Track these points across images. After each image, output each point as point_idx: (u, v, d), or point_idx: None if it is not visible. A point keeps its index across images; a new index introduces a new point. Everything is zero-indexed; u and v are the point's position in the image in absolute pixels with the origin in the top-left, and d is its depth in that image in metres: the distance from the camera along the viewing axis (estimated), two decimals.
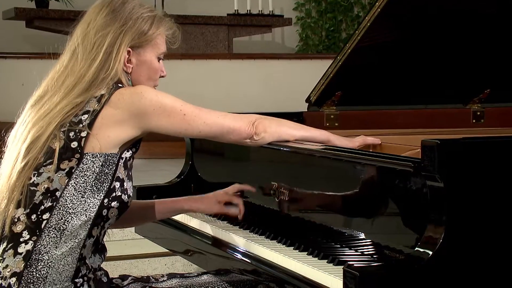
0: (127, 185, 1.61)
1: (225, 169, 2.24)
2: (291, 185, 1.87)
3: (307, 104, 2.42)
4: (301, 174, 1.86)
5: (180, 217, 2.15)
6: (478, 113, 2.53)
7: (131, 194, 1.62)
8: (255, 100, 5.95)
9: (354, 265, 1.45)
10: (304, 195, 1.83)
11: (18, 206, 1.55)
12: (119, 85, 1.61)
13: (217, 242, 1.93)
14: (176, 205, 1.92)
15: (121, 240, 3.36)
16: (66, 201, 1.55)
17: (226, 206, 1.93)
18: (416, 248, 1.42)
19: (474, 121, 2.52)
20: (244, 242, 1.84)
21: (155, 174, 4.52)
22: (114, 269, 3.10)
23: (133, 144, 1.62)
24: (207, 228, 2.03)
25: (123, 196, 1.59)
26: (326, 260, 1.61)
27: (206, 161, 2.36)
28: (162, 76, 1.71)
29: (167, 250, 2.39)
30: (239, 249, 1.84)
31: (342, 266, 1.42)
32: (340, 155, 1.71)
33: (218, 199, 1.93)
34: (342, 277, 1.38)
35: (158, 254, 3.18)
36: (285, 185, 1.88)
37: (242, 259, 1.79)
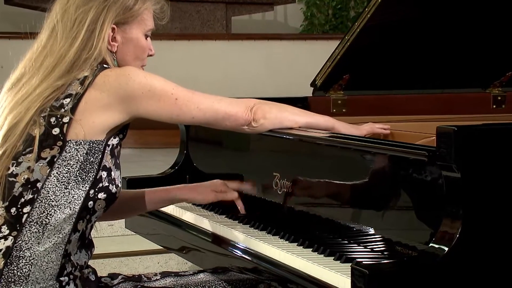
0: (115, 174, 1.60)
1: (223, 159, 2.25)
2: (295, 176, 1.87)
3: (312, 88, 2.42)
4: (305, 164, 1.87)
5: (172, 211, 2.16)
6: (499, 98, 2.52)
7: (119, 184, 1.61)
8: (255, 84, 5.92)
9: (363, 262, 1.47)
10: (309, 187, 1.83)
11: None
12: (104, 65, 1.59)
13: (214, 238, 1.94)
14: (169, 194, 1.92)
15: (110, 236, 3.37)
16: (48, 193, 1.54)
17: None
18: (431, 244, 1.42)
19: (494, 106, 2.52)
20: (244, 238, 1.84)
21: (147, 164, 4.52)
22: (102, 268, 3.10)
23: (120, 130, 1.61)
24: (204, 222, 2.03)
25: (110, 187, 1.59)
26: (333, 257, 1.61)
27: (203, 151, 2.36)
28: (150, 55, 1.69)
29: (160, 247, 2.40)
30: (238, 246, 1.84)
31: (350, 264, 1.42)
32: (348, 143, 1.71)
33: (214, 189, 1.94)
34: (350, 275, 1.39)
35: (150, 251, 3.19)
36: (288, 176, 1.88)
37: (242, 256, 1.80)
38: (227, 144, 2.25)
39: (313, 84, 2.41)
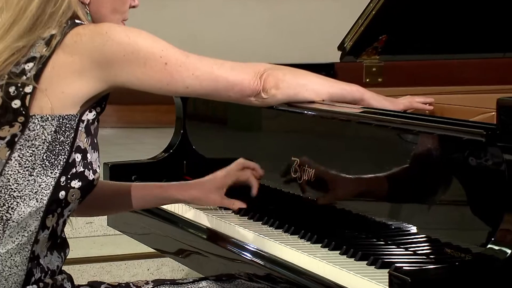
0: (91, 157, 1.60)
1: (229, 141, 2.27)
2: (318, 161, 1.88)
3: (340, 52, 2.43)
4: (331, 146, 1.88)
5: (172, 205, 2.19)
6: None
7: (97, 170, 1.60)
8: (266, 46, 5.87)
9: (404, 268, 1.47)
10: (336, 175, 1.84)
11: None
12: (76, 21, 1.58)
13: (218, 238, 1.96)
14: (164, 192, 1.95)
15: (89, 236, 3.39)
16: (9, 181, 1.54)
17: (230, 196, 1.97)
18: (489, 246, 1.43)
19: None
20: (255, 237, 1.86)
21: (135, 148, 4.55)
22: (80, 275, 3.13)
23: (97, 102, 1.61)
24: (205, 219, 2.05)
25: (86, 172, 1.58)
26: (366, 262, 1.62)
27: (204, 130, 2.38)
28: (133, 6, 1.69)
29: (152, 250, 2.42)
30: (248, 247, 1.85)
31: (388, 270, 1.43)
32: (385, 120, 1.72)
33: (218, 185, 1.96)
34: (387, 284, 1.39)
35: (138, 255, 3.22)
36: (309, 162, 1.89)
37: (252, 260, 1.81)
38: (234, 122, 2.27)
39: (341, 47, 2.41)
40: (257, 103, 1.73)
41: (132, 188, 1.93)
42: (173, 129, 2.41)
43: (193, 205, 2.10)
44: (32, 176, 1.54)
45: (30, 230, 1.55)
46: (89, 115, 1.59)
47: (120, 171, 2.28)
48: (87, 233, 3.40)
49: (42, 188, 1.55)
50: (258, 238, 1.84)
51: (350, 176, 1.80)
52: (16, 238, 1.54)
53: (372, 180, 1.75)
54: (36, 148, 1.54)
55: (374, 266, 1.59)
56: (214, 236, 1.97)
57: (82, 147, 1.58)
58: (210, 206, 2.09)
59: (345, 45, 2.39)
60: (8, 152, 1.52)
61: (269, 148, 2.08)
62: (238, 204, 1.98)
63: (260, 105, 1.74)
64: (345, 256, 1.66)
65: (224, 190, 1.97)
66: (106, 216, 2.43)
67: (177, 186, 1.97)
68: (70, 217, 1.65)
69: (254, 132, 2.18)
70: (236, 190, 2.00)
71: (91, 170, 1.59)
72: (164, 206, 2.17)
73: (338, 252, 1.68)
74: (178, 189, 1.96)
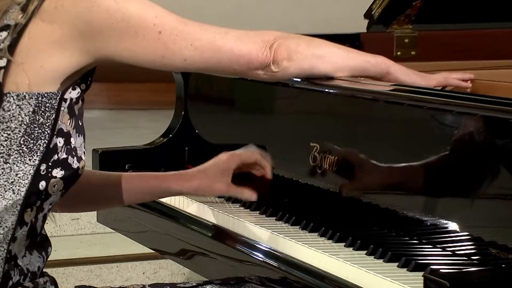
0: (76, 142, 1.59)
1: (238, 124, 2.28)
2: (341, 147, 1.88)
3: (367, 21, 2.43)
4: (356, 130, 1.88)
5: (171, 198, 2.20)
6: None
7: (83, 157, 1.60)
8: (281, 15, 5.86)
9: (441, 270, 1.46)
10: (362, 164, 1.85)
11: None
12: None
13: (225, 236, 1.96)
14: (163, 183, 1.95)
15: (75, 235, 3.39)
16: None
17: (238, 184, 1.96)
18: None
19: None
20: (268, 235, 1.86)
21: (129, 132, 4.56)
22: (64, 280, 3.13)
23: (82, 78, 1.60)
24: (210, 214, 2.05)
25: (70, 160, 1.57)
26: (396, 264, 1.62)
27: (208, 112, 2.39)
28: None
29: (148, 250, 2.42)
30: (260, 247, 1.85)
31: (422, 273, 1.43)
32: (420, 99, 1.71)
33: (222, 170, 1.96)
34: None
35: (132, 256, 3.22)
36: (331, 148, 1.89)
37: (265, 262, 1.81)
38: (243, 102, 2.28)
39: (368, 14, 2.41)
40: (265, 77, 1.73)
41: (125, 179, 1.93)
42: (172, 110, 2.42)
43: (196, 198, 2.11)
44: (8, 164, 1.53)
45: (6, 227, 1.54)
46: (73, 93, 1.57)
47: (111, 159, 2.29)
48: (73, 231, 3.40)
49: (20, 177, 1.54)
50: (271, 236, 1.84)
51: (379, 165, 1.79)
52: None
53: (404, 169, 1.74)
54: (12, 131, 1.53)
55: (406, 269, 1.59)
56: (221, 234, 1.98)
57: (65, 130, 1.57)
58: (216, 198, 2.10)
59: (372, 13, 2.39)
60: None
61: (285, 133, 2.08)
62: (248, 193, 1.97)
63: (270, 80, 1.74)
64: (372, 257, 1.66)
65: (230, 176, 1.96)
66: (95, 211, 2.44)
67: (177, 176, 1.96)
68: (54, 213, 1.66)
69: (266, 114, 2.19)
70: (245, 181, 2.00)
71: (75, 157, 1.58)
72: (163, 200, 2.18)
73: (364, 252, 1.69)
74: (178, 180, 1.96)
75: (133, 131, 4.57)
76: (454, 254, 1.63)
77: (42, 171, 1.55)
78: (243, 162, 1.97)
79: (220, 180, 1.96)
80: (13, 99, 1.52)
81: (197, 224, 2.05)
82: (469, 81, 1.97)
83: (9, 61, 1.52)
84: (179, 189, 1.96)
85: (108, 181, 1.94)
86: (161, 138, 2.39)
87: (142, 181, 1.95)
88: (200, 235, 2.02)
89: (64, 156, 1.57)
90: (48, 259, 1.68)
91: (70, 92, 1.57)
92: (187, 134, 2.37)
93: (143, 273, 3.26)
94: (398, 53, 2.39)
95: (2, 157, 1.53)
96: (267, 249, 1.82)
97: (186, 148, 2.37)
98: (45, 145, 1.54)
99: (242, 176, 1.98)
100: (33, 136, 1.54)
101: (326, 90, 1.83)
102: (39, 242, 1.61)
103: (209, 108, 2.40)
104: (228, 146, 2.09)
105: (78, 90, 1.58)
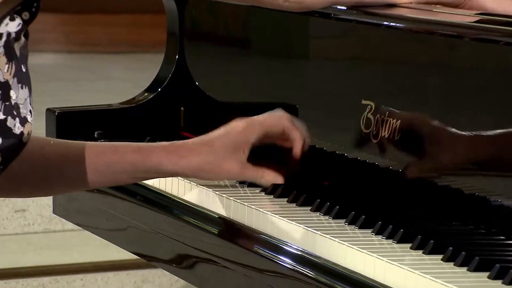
0: (19, 96, 1.62)
1: (257, 74, 2.30)
2: (407, 107, 1.91)
3: None
4: (428, 83, 1.89)
5: (161, 181, 2.20)
6: None
7: (28, 118, 1.63)
8: None
9: None
10: (436, 131, 1.86)
11: None
12: None
13: (238, 234, 1.96)
14: (146, 159, 1.98)
15: (20, 233, 3.43)
16: None
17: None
18: None
19: None
20: (302, 233, 1.85)
21: (98, 86, 4.62)
22: None
23: (23, 4, 1.61)
24: (217, 203, 2.05)
25: (10, 122, 1.61)
26: (487, 273, 1.61)
27: (213, 56, 2.41)
28: None
29: (129, 256, 2.50)
30: (288, 249, 1.84)
31: None
32: None
33: (235, 144, 1.98)
34: None
35: (105, 264, 3.26)
36: (392, 108, 1.90)
37: (296, 271, 1.79)
38: (262, 43, 2.30)
39: None
40: (287, 5, 1.80)
41: (93, 152, 1.95)
42: (161, 54, 2.42)
43: (197, 180, 2.11)
44: None
45: None
46: (11, 26, 1.60)
47: (73, 123, 2.31)
48: (16, 228, 3.43)
49: None
50: (305, 233, 1.83)
51: (463, 133, 1.81)
52: None
53: (500, 139, 1.75)
54: None
55: (501, 281, 1.58)
56: (232, 231, 1.97)
57: (2, 80, 1.59)
58: (226, 182, 2.10)
59: None
60: None
61: (324, 86, 2.09)
62: (271, 177, 2.00)
63: (296, 9, 1.81)
64: (452, 263, 1.65)
65: (247, 152, 1.98)
66: (50, 197, 2.45)
67: (169, 150, 1.98)
68: None
69: (297, 59, 2.20)
70: (266, 156, 2.02)
71: (17, 119, 1.61)
72: (149, 182, 2.19)
73: (440, 257, 1.68)
74: (171, 155, 1.97)
75: (104, 84, 4.59)
76: None
77: None
78: (266, 132, 1.98)
79: (231, 157, 1.97)
80: None
81: (199, 217, 2.04)
82: None
83: None
84: (172, 168, 1.97)
85: (68, 154, 1.95)
86: (146, 94, 2.40)
87: (118, 155, 1.96)
88: (203, 232, 2.00)
89: (1, 117, 1.58)
90: None
91: (7, 24, 1.59)
92: (183, 89, 2.39)
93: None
94: None
95: None
96: (299, 253, 1.81)
97: (182, 108, 2.38)
98: None
99: (263, 152, 2.00)
100: None
101: (385, 23, 1.88)
102: None
103: (214, 51, 2.42)
104: (241, 105, 2.13)
105: (18, 21, 1.60)
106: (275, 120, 2.00)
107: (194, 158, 1.97)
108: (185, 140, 2.03)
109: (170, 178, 2.15)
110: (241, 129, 1.98)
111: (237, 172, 1.99)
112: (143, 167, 1.97)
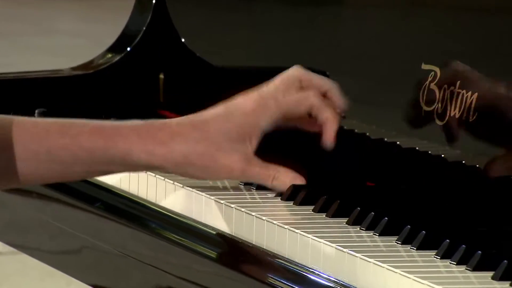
0: None
1: (265, 28, 2.41)
2: (486, 74, 1.99)
3: None
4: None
5: (132, 178, 2.27)
6: None
7: None
8: None
9: None
10: None
11: None
12: None
13: (244, 257, 1.98)
14: (112, 145, 2.03)
15: None
16: None
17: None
18: None
19: None
20: (334, 254, 1.87)
21: (40, 42, 4.79)
22: None
23: None
24: (213, 212, 2.09)
25: None
26: None
27: (203, 2, 2.45)
28: None
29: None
30: (315, 278, 1.85)
31: None
32: None
33: (239, 129, 2.04)
34: None
35: None
36: (465, 77, 1.99)
37: None
38: None
39: None
40: None
41: (29, 133, 2.01)
42: None
43: (183, 180, 2.16)
44: None
45: None
46: None
47: (8, 94, 2.37)
48: None
49: None
50: (340, 256, 1.85)
51: None
52: None
53: None
54: None
55: None
56: (234, 254, 2.00)
57: None
58: (223, 181, 2.17)
59: None
60: None
61: (367, 47, 2.18)
62: (288, 177, 2.05)
63: None
64: None
65: (255, 144, 2.03)
66: None
67: (142, 133, 2.03)
68: None
69: (325, 6, 2.24)
70: (281, 145, 2.09)
71: None
72: (113, 181, 2.26)
73: None
74: (144, 140, 2.02)
75: (48, 40, 4.60)
76: None
77: None
78: (285, 113, 2.02)
79: (232, 148, 2.04)
80: None
81: (187, 234, 2.07)
82: None
83: None
84: (145, 158, 2.03)
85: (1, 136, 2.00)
86: (108, 55, 2.53)
87: (68, 138, 2.02)
88: (194, 255, 2.03)
89: None
90: None
91: None
92: (162, 48, 2.46)
93: None
94: None
95: None
96: (332, 284, 1.82)
97: (161, 75, 2.43)
98: None
99: (276, 140, 2.07)
100: None
101: None
102: None
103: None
104: (245, 72, 2.17)
105: None
106: (297, 97, 2.02)
107: (178, 145, 2.02)
108: (165, 120, 2.09)
109: (144, 174, 2.20)
110: (249, 109, 2.03)
111: (239, 169, 2.04)
112: (104, 157, 2.02)
